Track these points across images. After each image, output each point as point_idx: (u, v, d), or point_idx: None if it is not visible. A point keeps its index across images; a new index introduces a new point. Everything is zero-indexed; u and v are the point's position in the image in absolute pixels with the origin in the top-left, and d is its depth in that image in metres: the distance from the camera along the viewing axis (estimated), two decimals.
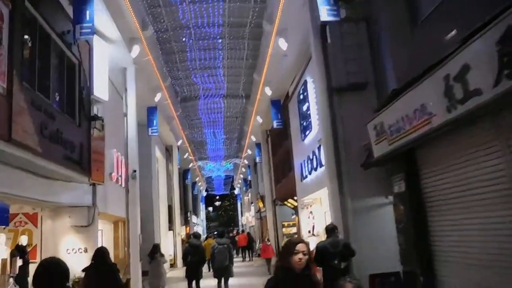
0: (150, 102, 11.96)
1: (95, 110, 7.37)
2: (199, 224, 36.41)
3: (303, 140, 9.57)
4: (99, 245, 7.61)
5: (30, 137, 4.80)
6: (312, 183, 9.22)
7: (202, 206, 41.41)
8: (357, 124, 6.58)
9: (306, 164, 9.49)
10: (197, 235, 9.13)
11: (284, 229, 17.83)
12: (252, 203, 27.90)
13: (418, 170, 4.88)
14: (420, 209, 4.90)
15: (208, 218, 53.46)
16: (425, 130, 4.09)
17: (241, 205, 41.20)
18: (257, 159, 18.68)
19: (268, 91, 11.79)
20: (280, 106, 12.51)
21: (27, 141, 4.71)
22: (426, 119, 4.05)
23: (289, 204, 15.72)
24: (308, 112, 8.79)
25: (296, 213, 16.21)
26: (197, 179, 30.22)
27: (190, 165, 23.06)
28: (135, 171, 8.87)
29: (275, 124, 12.26)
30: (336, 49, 6.83)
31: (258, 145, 18.42)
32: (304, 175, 9.72)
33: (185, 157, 20.47)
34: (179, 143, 17.73)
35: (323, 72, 6.96)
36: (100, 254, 4.31)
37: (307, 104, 8.94)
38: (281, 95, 12.54)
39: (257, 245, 23.21)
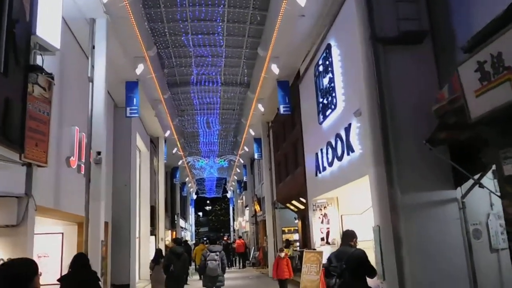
0: (129, 75, 9.77)
1: (39, 60, 5.18)
2: (187, 228, 33.99)
3: (321, 123, 7.49)
4: (34, 254, 5.43)
5: None
6: (332, 177, 7.13)
7: (191, 210, 38.97)
8: (411, 87, 4.67)
9: (324, 154, 7.39)
10: (179, 242, 8.00)
11: (284, 236, 15.71)
12: (246, 206, 25.68)
13: None
14: None
15: (198, 222, 50.97)
16: None
17: (233, 209, 38.91)
18: (256, 156, 16.54)
19: (275, 69, 9.72)
20: (288, 88, 10.44)
21: None
22: None
23: (292, 207, 13.60)
24: (332, 85, 6.73)
25: (299, 217, 14.14)
26: (186, 180, 27.87)
27: (180, 163, 20.78)
28: (99, 153, 6.65)
29: (282, 110, 10.19)
30: None
31: (257, 140, 16.30)
32: (322, 167, 7.62)
33: (173, 152, 18.22)
34: (167, 134, 15.50)
35: (364, 18, 4.98)
36: (81, 261, 3.96)
37: (329, 75, 6.88)
38: (289, 75, 10.49)
39: (252, 252, 21.02)
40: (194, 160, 20.77)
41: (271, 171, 14.69)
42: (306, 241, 13.16)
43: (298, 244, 15.14)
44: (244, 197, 27.55)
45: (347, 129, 6.00)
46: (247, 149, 18.80)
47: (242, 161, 22.25)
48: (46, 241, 8.08)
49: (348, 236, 3.89)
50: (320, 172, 7.86)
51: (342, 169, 6.49)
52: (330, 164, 7.09)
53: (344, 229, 4.25)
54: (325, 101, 7.14)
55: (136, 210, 12.21)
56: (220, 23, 10.73)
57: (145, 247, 14.19)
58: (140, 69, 9.42)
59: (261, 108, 12.81)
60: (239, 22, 10.60)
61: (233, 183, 31.13)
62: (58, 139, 6.79)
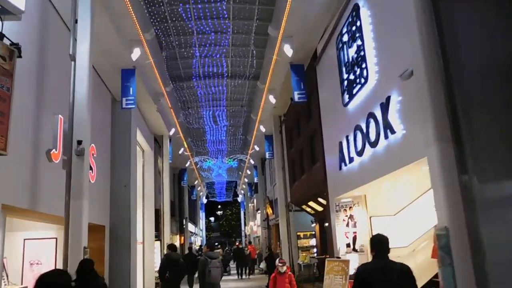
0: (125, 62, 8.74)
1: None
2: (198, 234, 32.91)
3: (346, 104, 6.26)
4: None
5: None
6: (363, 169, 5.86)
7: (202, 214, 37.92)
8: (484, 32, 3.38)
9: (351, 141, 6.14)
10: (174, 248, 7.74)
11: (299, 241, 14.39)
12: (258, 210, 24.42)
13: None
14: None
15: (209, 228, 49.95)
16: None
17: (244, 214, 37.69)
18: (267, 155, 15.32)
19: (289, 51, 8.54)
20: (303, 72, 9.24)
21: None
22: None
23: (308, 209, 12.31)
24: (361, 54, 5.50)
25: (317, 220, 12.81)
26: (195, 183, 26.84)
27: (187, 164, 19.74)
28: (80, 142, 5.56)
29: (296, 97, 8.98)
30: None
31: (268, 138, 15.10)
32: (348, 158, 6.36)
33: (180, 152, 17.18)
34: (172, 132, 14.46)
35: None
36: (88, 267, 3.86)
37: (357, 43, 5.66)
38: (304, 58, 9.29)
39: (263, 260, 19.73)
40: (201, 160, 19.68)
41: (284, 170, 13.45)
42: (325, 247, 11.83)
43: (315, 250, 13.80)
44: (255, 200, 26.33)
45: (384, 105, 4.75)
46: (257, 148, 17.62)
47: (252, 162, 21.07)
48: (39, 247, 7.19)
49: (387, 244, 2.88)
50: (345, 165, 6.60)
51: (377, 158, 5.22)
52: (360, 154, 5.83)
53: (375, 233, 3.09)
54: (351, 77, 5.91)
55: (137, 213, 11.12)
56: (225, 4, 9.66)
57: (150, 253, 13.10)
58: (136, 54, 8.38)
59: (272, 100, 11.62)
60: (246, 2, 9.51)
61: (244, 186, 29.95)
62: (36, 128, 5.76)
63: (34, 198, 5.58)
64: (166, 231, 14.52)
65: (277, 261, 6.50)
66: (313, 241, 14.44)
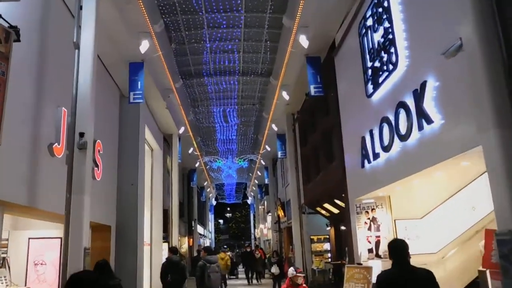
0: (133, 55, 8.38)
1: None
2: (207, 236, 32.51)
3: (370, 95, 5.70)
4: None
5: None
6: (389, 166, 5.29)
7: (211, 216, 37.54)
8: None
9: (376, 136, 5.58)
10: (175, 251, 7.68)
11: (312, 245, 13.79)
12: (268, 212, 23.85)
13: None
14: None
15: (218, 230, 49.55)
16: None
17: (254, 216, 37.13)
18: (279, 154, 14.79)
19: (304, 42, 8.03)
20: (319, 65, 8.71)
21: None
22: None
23: (323, 212, 11.71)
24: (389, 38, 4.95)
25: (332, 223, 12.20)
26: (205, 184, 26.47)
27: (197, 165, 19.35)
28: (82, 135, 5.17)
29: (312, 91, 8.45)
30: None
31: (281, 137, 14.58)
32: (373, 155, 5.79)
33: (189, 152, 16.81)
34: (181, 131, 14.09)
35: None
36: (107, 267, 3.91)
37: (384, 26, 5.11)
38: (321, 49, 8.76)
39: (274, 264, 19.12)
40: (211, 161, 19.26)
41: (297, 170, 12.89)
42: (340, 252, 11.22)
43: (329, 255, 13.18)
44: (265, 202, 25.77)
45: (418, 93, 4.19)
46: (269, 149, 17.10)
47: (263, 163, 20.54)
48: (43, 247, 6.90)
49: (405, 249, 2.79)
50: (369, 162, 6.03)
51: (408, 153, 4.65)
52: (386, 149, 5.26)
53: (393, 238, 2.77)
54: (377, 64, 5.36)
55: (144, 214, 10.74)
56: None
57: (157, 255, 12.70)
58: (144, 46, 8.00)
59: (285, 96, 11.11)
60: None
61: (254, 188, 29.44)
62: (37, 120, 5.40)
63: (34, 194, 5.20)
64: (175, 232, 14.11)
65: (291, 269, 5.12)
66: (327, 245, 13.82)
